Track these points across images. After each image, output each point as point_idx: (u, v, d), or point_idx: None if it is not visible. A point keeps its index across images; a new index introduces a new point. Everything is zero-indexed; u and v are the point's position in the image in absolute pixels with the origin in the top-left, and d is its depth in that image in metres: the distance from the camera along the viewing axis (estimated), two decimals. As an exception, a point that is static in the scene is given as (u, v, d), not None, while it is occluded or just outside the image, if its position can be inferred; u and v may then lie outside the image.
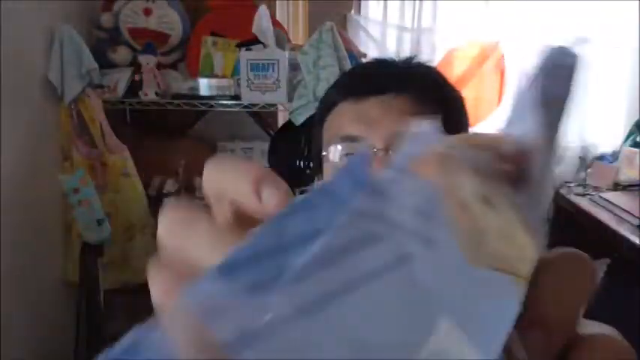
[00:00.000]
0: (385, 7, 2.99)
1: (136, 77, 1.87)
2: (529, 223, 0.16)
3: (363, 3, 2.99)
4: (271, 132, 1.98)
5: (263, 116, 2.01)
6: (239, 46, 1.80)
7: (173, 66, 2.01)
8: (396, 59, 0.71)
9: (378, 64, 0.76)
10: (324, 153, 0.67)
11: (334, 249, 0.14)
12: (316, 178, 0.73)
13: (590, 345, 0.17)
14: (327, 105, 0.70)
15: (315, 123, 0.73)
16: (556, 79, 0.19)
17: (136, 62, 1.90)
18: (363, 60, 1.85)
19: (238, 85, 1.80)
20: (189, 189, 1.96)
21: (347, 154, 0.64)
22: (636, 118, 2.73)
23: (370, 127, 0.62)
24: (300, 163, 1.74)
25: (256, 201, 0.16)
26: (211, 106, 1.84)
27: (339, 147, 0.65)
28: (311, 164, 0.80)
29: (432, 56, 2.99)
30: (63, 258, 1.84)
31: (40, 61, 1.74)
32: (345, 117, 0.66)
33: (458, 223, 0.15)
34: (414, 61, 0.71)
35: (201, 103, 1.83)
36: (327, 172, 0.67)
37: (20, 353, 1.67)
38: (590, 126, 2.92)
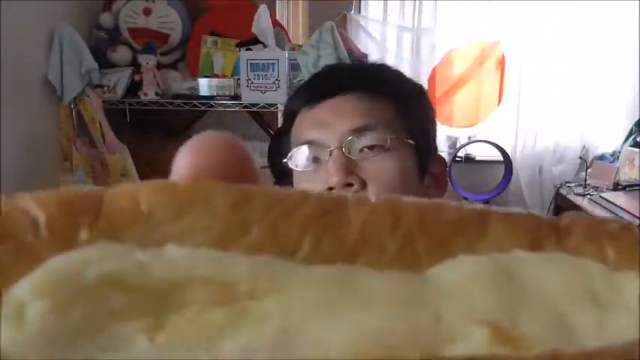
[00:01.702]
0: (385, 7, 2.99)
1: (136, 77, 1.87)
2: None
3: (363, 3, 2.99)
4: (271, 132, 1.97)
5: (263, 116, 2.01)
6: (239, 46, 1.80)
7: (173, 66, 2.01)
8: (351, 63, 0.76)
9: (330, 69, 0.81)
10: (285, 159, 0.70)
11: None
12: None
13: None
14: (288, 117, 0.74)
15: (282, 135, 0.77)
16: None
17: (135, 62, 1.90)
18: (363, 60, 1.86)
19: (238, 84, 1.80)
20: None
21: (314, 159, 0.67)
22: (636, 118, 2.74)
23: (324, 130, 0.65)
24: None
25: None
26: (211, 106, 1.84)
27: (302, 149, 0.68)
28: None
29: (432, 56, 2.99)
30: (63, 258, 1.84)
31: (40, 61, 1.74)
32: (303, 124, 0.69)
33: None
34: (367, 61, 0.76)
35: (201, 103, 1.83)
36: (296, 178, 0.70)
37: (20, 353, 1.67)
38: (590, 126, 2.92)
